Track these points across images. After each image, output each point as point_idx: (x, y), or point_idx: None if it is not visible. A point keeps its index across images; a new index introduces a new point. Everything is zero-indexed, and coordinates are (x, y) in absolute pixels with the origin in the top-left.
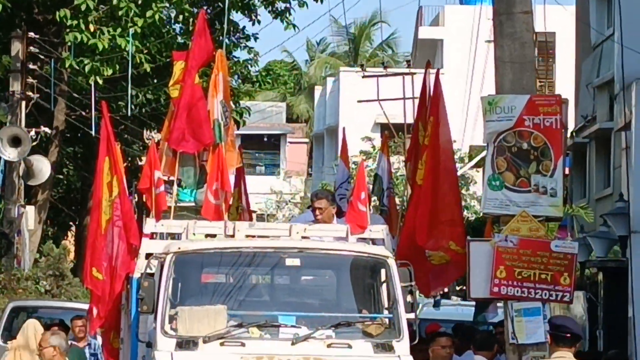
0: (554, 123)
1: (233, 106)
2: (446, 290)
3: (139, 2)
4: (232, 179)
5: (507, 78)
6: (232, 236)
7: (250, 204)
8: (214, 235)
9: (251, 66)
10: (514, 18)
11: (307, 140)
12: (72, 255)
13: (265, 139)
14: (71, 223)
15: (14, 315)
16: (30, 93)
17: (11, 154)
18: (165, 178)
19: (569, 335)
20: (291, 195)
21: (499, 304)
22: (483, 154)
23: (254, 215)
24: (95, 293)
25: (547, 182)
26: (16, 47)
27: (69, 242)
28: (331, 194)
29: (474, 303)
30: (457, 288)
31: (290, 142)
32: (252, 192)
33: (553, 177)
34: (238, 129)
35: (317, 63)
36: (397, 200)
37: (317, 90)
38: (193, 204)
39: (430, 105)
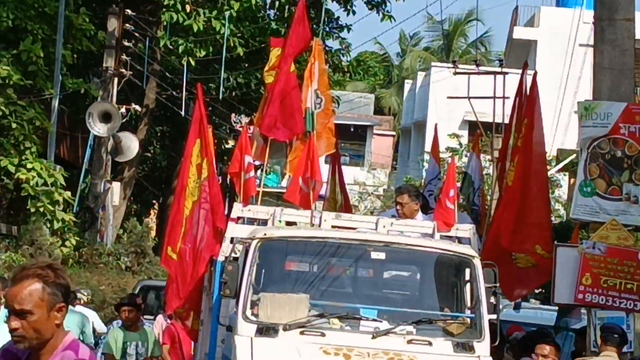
0: None
1: (330, 93)
2: (526, 292)
3: None
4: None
5: (605, 84)
6: (319, 226)
7: (348, 197)
8: (295, 223)
9: (343, 56)
10: (616, 25)
11: (393, 133)
12: (153, 233)
13: (352, 130)
14: (154, 201)
15: (143, 294)
16: (123, 70)
17: (101, 129)
18: (256, 163)
19: (616, 335)
20: (374, 187)
21: (582, 311)
22: (571, 157)
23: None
24: (169, 273)
25: (638, 191)
26: (112, 24)
27: (151, 220)
28: (415, 189)
29: (554, 307)
30: (537, 291)
31: (377, 134)
32: None
33: None
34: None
35: (411, 56)
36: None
37: (407, 84)
38: (277, 190)
39: (526, 106)
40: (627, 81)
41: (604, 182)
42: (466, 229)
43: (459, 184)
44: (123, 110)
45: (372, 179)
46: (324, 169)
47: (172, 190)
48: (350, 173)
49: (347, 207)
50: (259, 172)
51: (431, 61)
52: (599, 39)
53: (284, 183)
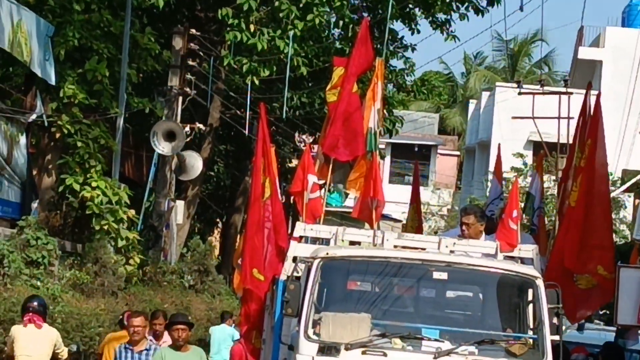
0: None
1: (386, 114)
2: (589, 313)
3: (301, 5)
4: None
5: None
6: (381, 245)
7: (422, 219)
8: (359, 243)
9: (407, 75)
10: None
11: (457, 152)
12: (217, 252)
13: (416, 149)
14: (218, 220)
15: None
16: (187, 89)
17: (165, 148)
18: (320, 182)
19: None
20: (438, 207)
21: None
22: (636, 178)
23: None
24: (255, 294)
25: None
26: (177, 43)
27: (215, 239)
28: (480, 210)
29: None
30: (601, 312)
31: (441, 154)
32: (400, 202)
33: None
34: (390, 137)
35: (476, 76)
36: (545, 219)
37: (472, 103)
38: (340, 210)
39: (589, 127)
40: None
41: None
42: (529, 250)
43: (522, 204)
44: (187, 129)
45: (437, 198)
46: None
47: (236, 208)
48: None
49: (419, 229)
50: (322, 191)
51: (495, 81)
52: None
53: (347, 202)
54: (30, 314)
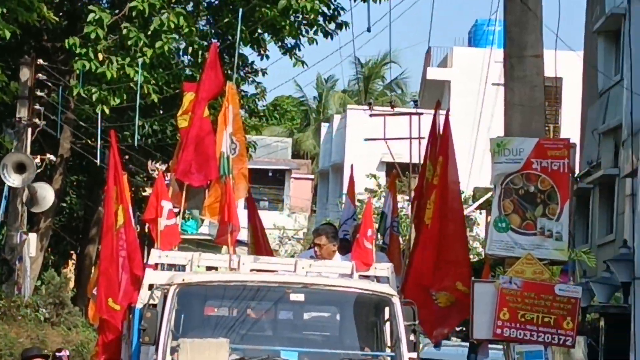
0: (561, 167)
1: (245, 138)
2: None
3: (149, 32)
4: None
5: (516, 120)
6: (237, 270)
7: (268, 241)
8: (215, 268)
9: (258, 100)
10: (525, 61)
11: (312, 176)
12: (72, 284)
13: (270, 174)
14: (72, 252)
15: None
16: (36, 120)
17: (15, 180)
18: (175, 210)
19: None
20: (294, 231)
21: (492, 346)
22: (487, 195)
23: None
24: (111, 323)
25: (552, 225)
26: (24, 74)
27: (70, 271)
28: (332, 230)
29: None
30: (458, 329)
31: (295, 178)
32: None
33: (559, 220)
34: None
35: (333, 99)
36: (400, 239)
37: (324, 127)
38: (196, 237)
39: (440, 145)
40: (537, 117)
41: (518, 217)
42: (384, 268)
43: (376, 224)
44: (37, 160)
45: (293, 223)
46: (243, 215)
47: (90, 239)
48: (269, 218)
49: (267, 251)
50: (179, 218)
51: (350, 103)
52: (509, 76)
53: (203, 229)
54: None
